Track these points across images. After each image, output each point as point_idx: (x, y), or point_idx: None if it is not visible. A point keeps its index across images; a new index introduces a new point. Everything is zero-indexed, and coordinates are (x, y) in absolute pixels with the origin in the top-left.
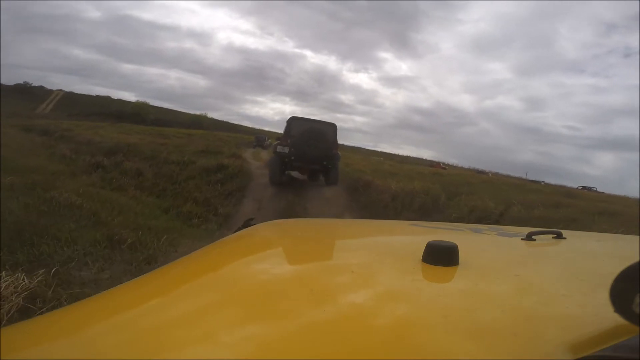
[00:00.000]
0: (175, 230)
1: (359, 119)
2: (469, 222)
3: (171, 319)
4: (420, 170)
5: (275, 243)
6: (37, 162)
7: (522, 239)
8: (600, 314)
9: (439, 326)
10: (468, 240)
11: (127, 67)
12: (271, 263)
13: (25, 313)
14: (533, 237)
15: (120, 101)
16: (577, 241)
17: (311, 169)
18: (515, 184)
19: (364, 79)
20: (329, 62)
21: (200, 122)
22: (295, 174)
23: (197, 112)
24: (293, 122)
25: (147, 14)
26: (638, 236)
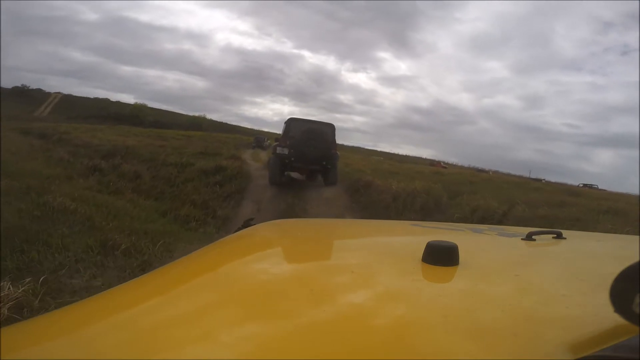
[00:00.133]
0: (172, 234)
1: (358, 118)
2: (472, 222)
3: (171, 318)
4: (420, 170)
5: (275, 243)
6: (34, 165)
7: (522, 239)
8: (600, 314)
9: (439, 326)
10: (468, 240)
11: (126, 69)
12: (271, 263)
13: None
14: (533, 237)
15: (118, 103)
16: (577, 241)
17: (310, 170)
18: (515, 182)
19: (362, 79)
20: (328, 62)
21: (199, 124)
22: (294, 174)
23: (196, 114)
24: (292, 123)
25: (144, 16)
26: (638, 236)
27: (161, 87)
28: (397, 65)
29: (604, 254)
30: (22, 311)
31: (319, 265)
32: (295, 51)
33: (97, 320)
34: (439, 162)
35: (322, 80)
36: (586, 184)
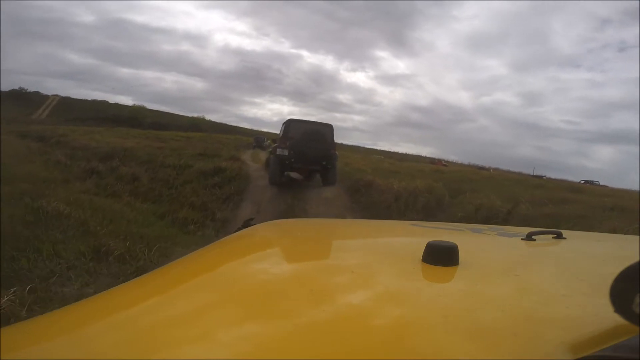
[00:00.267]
0: (169, 238)
1: (357, 117)
2: (475, 221)
3: (171, 318)
4: (421, 168)
5: (275, 243)
6: (31, 169)
7: (522, 239)
8: (600, 314)
9: (439, 326)
10: (468, 240)
11: (124, 71)
12: (271, 263)
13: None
14: (533, 237)
15: (117, 105)
16: (577, 241)
17: (310, 170)
18: (516, 180)
19: (361, 78)
20: (326, 61)
21: (198, 125)
22: (293, 174)
23: (195, 115)
24: (291, 124)
25: (141, 17)
26: (638, 236)
27: (160, 89)
28: (396, 64)
29: (604, 254)
30: (9, 321)
31: (318, 265)
32: (294, 51)
33: (97, 320)
34: (439, 161)
35: (320, 80)
36: (587, 181)
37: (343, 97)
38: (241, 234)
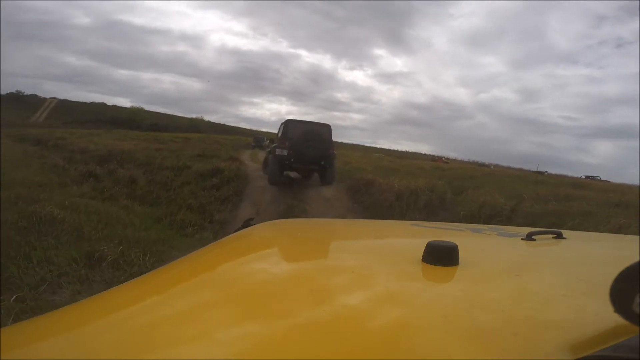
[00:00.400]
0: (166, 241)
1: (355, 116)
2: (479, 219)
3: (170, 318)
4: (421, 165)
5: (275, 243)
6: (27, 173)
7: (522, 239)
8: (600, 314)
9: (438, 326)
10: (468, 240)
11: (121, 73)
12: (270, 263)
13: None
14: (533, 237)
15: (115, 107)
16: (577, 241)
17: (309, 169)
18: (517, 176)
19: (359, 77)
20: (324, 60)
21: (197, 126)
22: (292, 173)
23: (194, 116)
24: (289, 124)
25: (137, 19)
26: (638, 236)
27: (158, 90)
28: (393, 62)
29: (604, 254)
30: None
31: (318, 265)
32: (292, 50)
33: (97, 320)
34: (440, 158)
35: (318, 79)
36: (588, 176)
37: (341, 95)
38: (240, 234)
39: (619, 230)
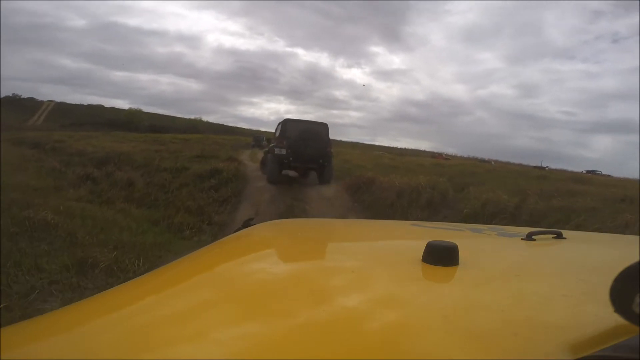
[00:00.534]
0: (163, 245)
1: (354, 114)
2: (482, 217)
3: (170, 318)
4: (421, 162)
5: (275, 243)
6: (23, 177)
7: (522, 239)
8: (600, 314)
9: (439, 326)
10: (468, 240)
11: (118, 75)
12: (270, 263)
13: None
14: (533, 237)
15: (113, 109)
16: (577, 241)
17: (306, 168)
18: (518, 171)
19: (357, 74)
20: (321, 59)
21: (196, 127)
22: (290, 172)
23: (192, 117)
24: (287, 124)
25: (133, 20)
26: (638, 236)
27: (155, 91)
28: (391, 59)
29: (604, 254)
30: None
31: (318, 266)
32: (289, 49)
33: (96, 320)
34: (440, 154)
35: (316, 78)
36: (590, 171)
37: (339, 93)
38: (240, 234)
39: (626, 226)
